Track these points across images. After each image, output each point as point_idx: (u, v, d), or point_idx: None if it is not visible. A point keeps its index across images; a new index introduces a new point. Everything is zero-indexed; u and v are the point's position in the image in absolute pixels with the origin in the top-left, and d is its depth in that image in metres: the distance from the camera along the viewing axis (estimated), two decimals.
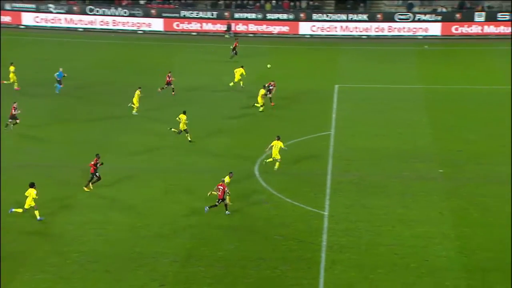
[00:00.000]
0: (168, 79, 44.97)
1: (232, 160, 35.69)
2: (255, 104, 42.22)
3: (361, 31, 62.71)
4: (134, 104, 41.83)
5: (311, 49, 59.94)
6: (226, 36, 62.58)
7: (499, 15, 60.92)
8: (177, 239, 28.26)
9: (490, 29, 60.63)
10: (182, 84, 46.88)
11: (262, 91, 41.75)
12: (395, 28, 62.00)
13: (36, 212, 29.32)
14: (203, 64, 53.46)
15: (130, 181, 33.41)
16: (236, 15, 64.22)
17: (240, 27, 63.49)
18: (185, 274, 26.01)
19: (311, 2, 66.14)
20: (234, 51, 53.14)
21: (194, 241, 28.21)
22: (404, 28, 61.81)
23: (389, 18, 62.45)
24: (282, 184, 33.53)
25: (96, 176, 32.04)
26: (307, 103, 45.17)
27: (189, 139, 37.73)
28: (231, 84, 46.14)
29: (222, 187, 30.13)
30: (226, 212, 30.25)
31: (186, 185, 32.97)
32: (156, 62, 53.77)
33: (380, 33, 62.38)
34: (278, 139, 34.73)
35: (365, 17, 62.94)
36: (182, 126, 37.81)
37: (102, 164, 32.08)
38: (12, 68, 46.17)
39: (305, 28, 63.24)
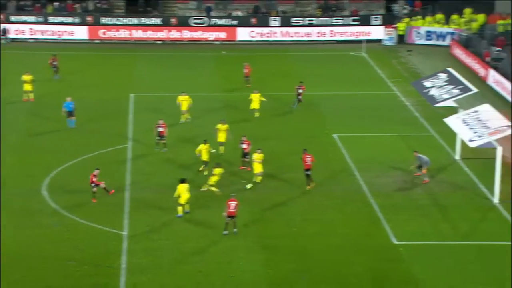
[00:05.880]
0: None
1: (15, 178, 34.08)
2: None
3: (155, 36, 62.45)
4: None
5: (103, 55, 58.74)
6: (3, 41, 59.65)
7: (293, 19, 63.25)
8: None
9: (286, 34, 62.78)
10: None
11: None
12: (191, 32, 62.41)
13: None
14: None
15: None
16: (13, 18, 61.42)
17: (20, 31, 60.85)
18: None
19: (98, 5, 64.83)
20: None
21: None
22: (200, 32, 62.38)
23: (184, 22, 62.76)
24: (75, 203, 32.43)
25: None
26: (102, 114, 44.22)
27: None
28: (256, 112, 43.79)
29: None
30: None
31: None
32: None
33: (175, 38, 62.47)
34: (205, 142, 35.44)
35: (158, 21, 62.79)
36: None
37: None
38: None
39: (94, 32, 61.84)
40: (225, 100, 47.47)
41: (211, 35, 62.68)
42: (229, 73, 52.66)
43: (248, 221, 31.23)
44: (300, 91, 45.01)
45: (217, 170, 34.07)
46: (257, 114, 43.43)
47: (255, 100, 43.47)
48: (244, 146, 36.36)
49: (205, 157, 35.50)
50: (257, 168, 34.82)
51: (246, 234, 30.10)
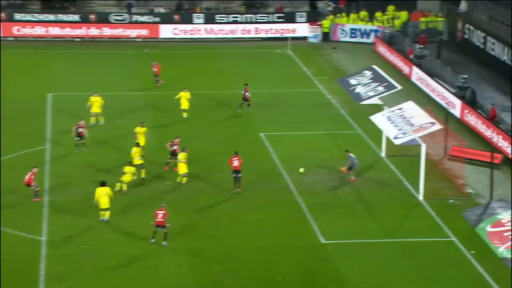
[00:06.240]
0: None
1: None
2: None
3: (74, 33, 61.52)
4: None
5: (18, 53, 57.45)
6: None
7: (217, 16, 63.28)
8: None
9: (210, 31, 62.79)
10: None
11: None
12: (111, 30, 61.76)
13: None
14: None
15: None
16: None
17: None
18: None
19: (12, 1, 63.44)
20: None
21: None
22: (121, 29, 61.82)
23: (103, 19, 62.01)
24: None
25: None
26: (18, 115, 43.36)
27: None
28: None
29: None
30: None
31: None
32: None
33: (95, 36, 61.67)
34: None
35: (77, 17, 61.88)
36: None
37: None
38: None
39: (8, 29, 60.49)
40: (148, 99, 47.17)
41: (133, 33, 62.18)
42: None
43: (173, 223, 31.05)
44: (247, 94, 43.98)
45: (128, 168, 33.74)
46: (185, 115, 43.11)
47: (184, 99, 43.12)
48: (176, 147, 35.88)
49: (138, 160, 34.91)
50: (182, 168, 34.70)
51: (171, 237, 29.94)
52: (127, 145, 38.01)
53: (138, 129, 37.66)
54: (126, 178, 33.71)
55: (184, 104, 42.99)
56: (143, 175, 34.78)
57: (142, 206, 32.54)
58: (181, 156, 34.66)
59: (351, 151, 36.62)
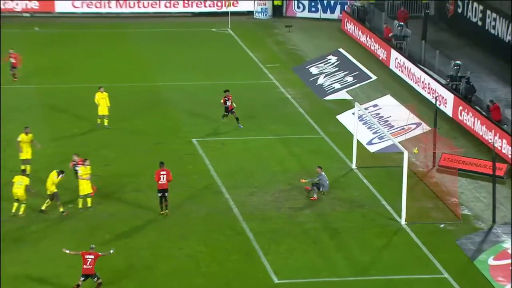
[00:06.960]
0: None
1: None
2: None
3: None
4: None
5: None
6: None
7: None
8: None
9: (123, 4, 62.80)
10: None
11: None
12: None
13: None
14: None
15: None
16: None
17: None
18: None
19: None
20: None
21: None
22: (2, 1, 61.65)
23: None
24: None
25: None
26: None
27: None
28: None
29: None
30: None
31: None
32: None
33: None
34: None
35: None
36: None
37: None
38: None
39: None
40: (36, 94, 47.05)
41: (18, 5, 61.86)
42: (45, 58, 52.20)
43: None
44: (228, 102, 42.90)
45: (17, 178, 33.53)
46: (106, 122, 42.53)
47: (102, 102, 42.33)
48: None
49: (51, 187, 34.24)
50: (84, 187, 34.46)
51: (76, 277, 29.83)
52: (6, 156, 37.82)
53: (23, 137, 37.06)
54: (18, 191, 33.41)
55: (102, 109, 42.34)
56: (44, 207, 34.24)
57: (35, 238, 32.38)
58: (82, 170, 34.35)
59: (312, 160, 37.01)
